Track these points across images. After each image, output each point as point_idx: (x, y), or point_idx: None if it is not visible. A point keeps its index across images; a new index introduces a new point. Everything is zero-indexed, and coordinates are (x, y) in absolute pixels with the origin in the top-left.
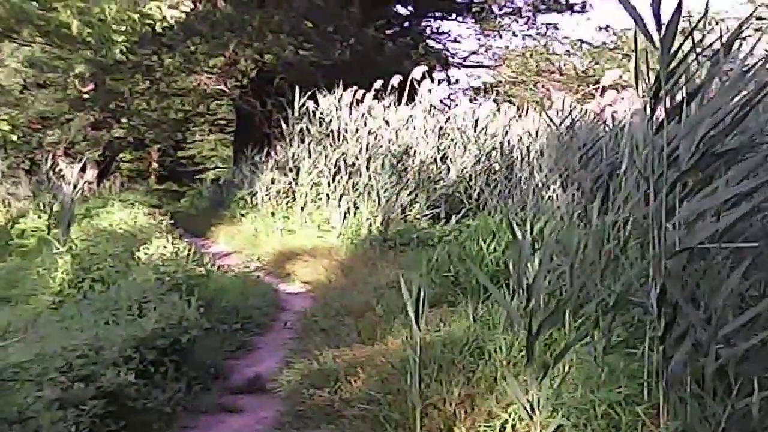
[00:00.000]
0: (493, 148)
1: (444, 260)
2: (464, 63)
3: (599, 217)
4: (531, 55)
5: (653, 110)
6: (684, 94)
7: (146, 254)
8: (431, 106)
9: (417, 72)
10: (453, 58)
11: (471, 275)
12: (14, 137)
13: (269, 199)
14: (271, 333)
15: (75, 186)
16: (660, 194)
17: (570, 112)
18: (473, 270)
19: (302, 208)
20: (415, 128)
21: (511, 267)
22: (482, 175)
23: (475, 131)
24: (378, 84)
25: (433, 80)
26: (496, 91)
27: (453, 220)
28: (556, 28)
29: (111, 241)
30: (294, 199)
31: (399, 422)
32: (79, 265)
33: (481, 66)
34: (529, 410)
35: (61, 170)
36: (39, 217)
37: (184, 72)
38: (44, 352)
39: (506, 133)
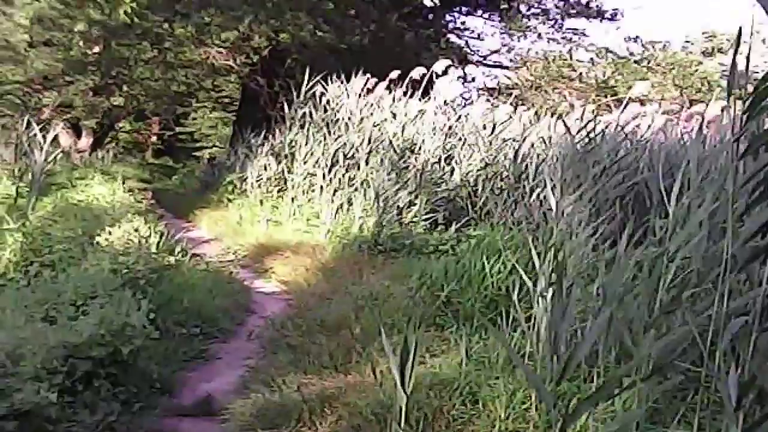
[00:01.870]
0: (504, 154)
1: (439, 275)
2: (483, 61)
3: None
4: (554, 59)
5: (743, 128)
6: None
7: (107, 240)
8: (445, 102)
9: (440, 66)
10: (473, 55)
11: (466, 297)
12: None
13: (259, 185)
14: (235, 341)
15: (48, 154)
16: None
17: (591, 122)
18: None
19: (293, 199)
20: (423, 124)
21: (514, 295)
22: (489, 181)
23: (492, 133)
24: (394, 74)
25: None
26: (510, 93)
27: (452, 228)
28: (584, 35)
29: (77, 220)
30: (285, 188)
31: None
32: (31, 246)
33: (501, 66)
34: None
35: (35, 135)
36: (13, 183)
37: (194, 44)
38: None
39: (524, 139)
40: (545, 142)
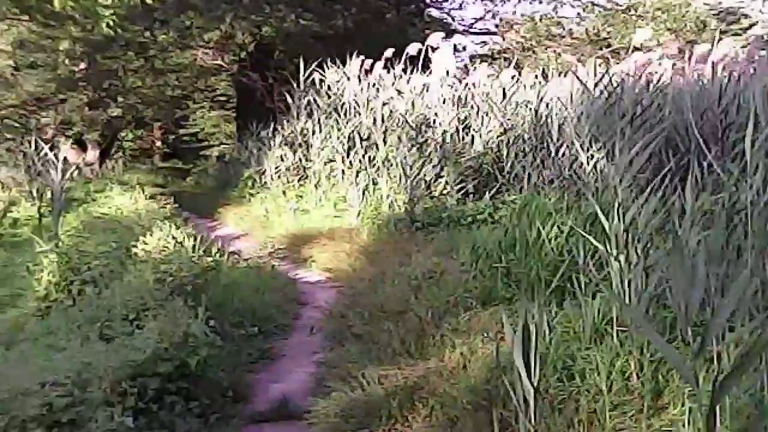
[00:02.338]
0: (522, 117)
1: (490, 246)
2: (470, 30)
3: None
4: (540, 19)
5: None
6: None
7: (144, 250)
8: (447, 73)
9: (434, 39)
10: (458, 25)
11: (526, 266)
12: None
13: (278, 177)
14: (295, 335)
15: (64, 172)
16: None
17: (606, 75)
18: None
19: (316, 186)
20: (431, 97)
21: (580, 259)
22: (512, 145)
23: (504, 98)
24: (389, 52)
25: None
26: (504, 58)
27: (486, 196)
28: None
29: (107, 233)
30: (306, 176)
31: None
32: (67, 264)
33: (488, 33)
34: None
35: (46, 154)
36: (32, 204)
37: (179, 47)
38: (18, 389)
39: (541, 99)
40: (561, 101)
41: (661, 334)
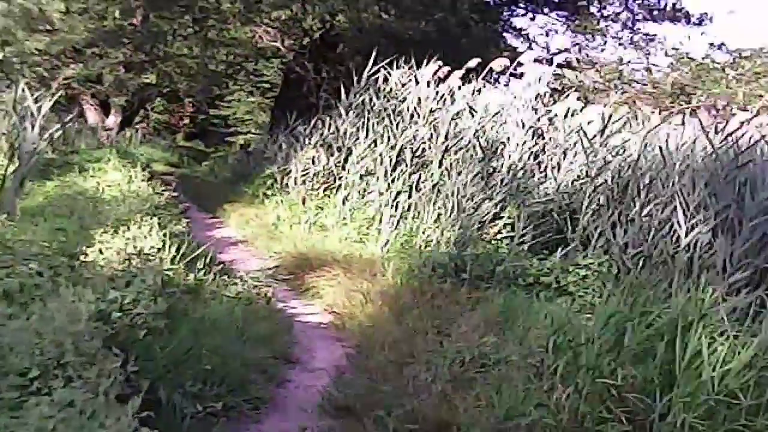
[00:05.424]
0: (609, 162)
1: (577, 337)
2: (551, 60)
3: None
4: (628, 62)
5: None
6: None
7: (97, 260)
8: (537, 96)
9: (527, 57)
10: (541, 52)
11: (651, 392)
12: None
13: (304, 182)
14: (273, 418)
15: (41, 131)
16: None
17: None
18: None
19: (344, 201)
20: (507, 121)
21: None
22: (595, 194)
23: (602, 136)
24: (473, 62)
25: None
26: (576, 95)
27: (557, 254)
28: (660, 42)
29: (71, 220)
30: (334, 186)
31: None
32: None
33: (569, 66)
34: None
35: (28, 106)
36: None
37: (241, 21)
38: None
39: (646, 146)
40: (662, 151)
41: None
